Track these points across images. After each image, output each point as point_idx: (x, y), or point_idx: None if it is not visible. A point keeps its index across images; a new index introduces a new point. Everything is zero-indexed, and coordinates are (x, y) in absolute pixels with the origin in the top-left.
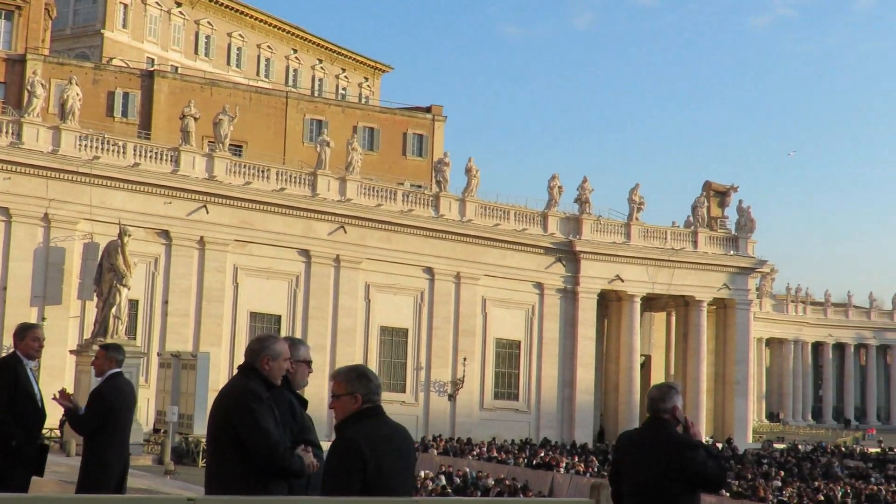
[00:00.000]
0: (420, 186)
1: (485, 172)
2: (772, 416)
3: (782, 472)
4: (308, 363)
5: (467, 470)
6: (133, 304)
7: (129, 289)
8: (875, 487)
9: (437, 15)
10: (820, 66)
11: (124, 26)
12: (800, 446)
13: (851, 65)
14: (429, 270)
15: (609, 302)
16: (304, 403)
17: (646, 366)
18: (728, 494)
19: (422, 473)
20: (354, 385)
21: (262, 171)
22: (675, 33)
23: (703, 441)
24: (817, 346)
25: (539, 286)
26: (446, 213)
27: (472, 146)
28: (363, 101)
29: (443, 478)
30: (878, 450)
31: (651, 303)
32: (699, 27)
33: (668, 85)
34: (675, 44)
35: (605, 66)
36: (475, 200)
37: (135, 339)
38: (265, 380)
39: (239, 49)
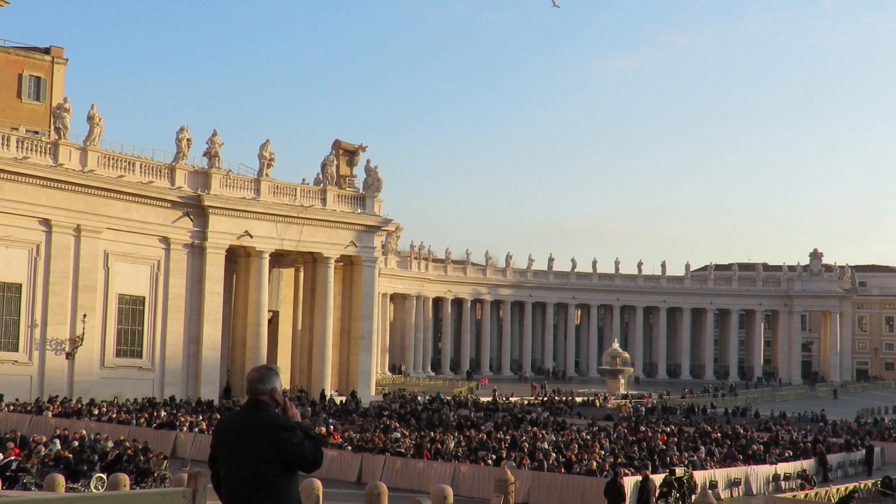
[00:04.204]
0: (37, 132)
1: (109, 121)
2: (394, 369)
3: (398, 424)
4: None
5: (84, 432)
6: None
7: None
8: (484, 435)
9: None
10: (451, 31)
11: None
12: (419, 397)
13: (481, 33)
14: (45, 222)
15: (238, 258)
16: None
17: (274, 321)
18: (350, 448)
19: (34, 438)
20: None
21: None
22: None
23: (300, 420)
24: (438, 302)
25: (165, 241)
26: (66, 163)
27: (95, 92)
28: None
29: (58, 442)
30: (490, 399)
31: (280, 259)
32: None
33: (302, 39)
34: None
35: (232, 19)
36: (98, 150)
37: None
38: None
39: None
